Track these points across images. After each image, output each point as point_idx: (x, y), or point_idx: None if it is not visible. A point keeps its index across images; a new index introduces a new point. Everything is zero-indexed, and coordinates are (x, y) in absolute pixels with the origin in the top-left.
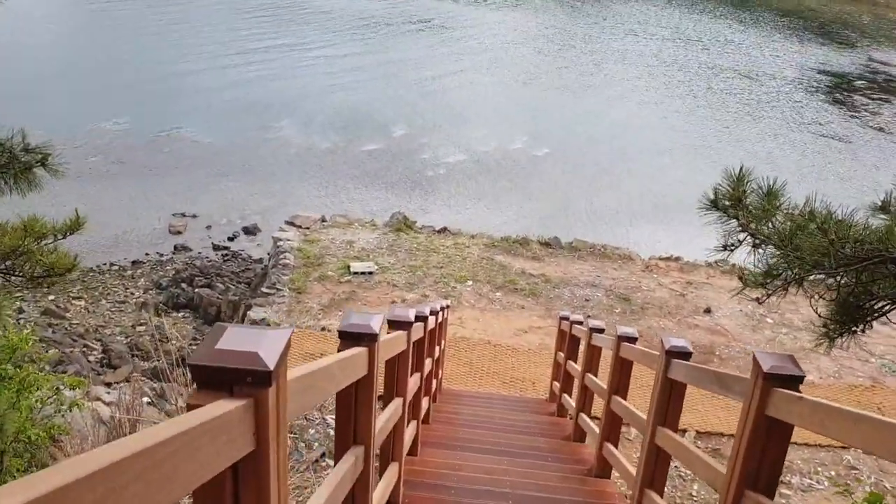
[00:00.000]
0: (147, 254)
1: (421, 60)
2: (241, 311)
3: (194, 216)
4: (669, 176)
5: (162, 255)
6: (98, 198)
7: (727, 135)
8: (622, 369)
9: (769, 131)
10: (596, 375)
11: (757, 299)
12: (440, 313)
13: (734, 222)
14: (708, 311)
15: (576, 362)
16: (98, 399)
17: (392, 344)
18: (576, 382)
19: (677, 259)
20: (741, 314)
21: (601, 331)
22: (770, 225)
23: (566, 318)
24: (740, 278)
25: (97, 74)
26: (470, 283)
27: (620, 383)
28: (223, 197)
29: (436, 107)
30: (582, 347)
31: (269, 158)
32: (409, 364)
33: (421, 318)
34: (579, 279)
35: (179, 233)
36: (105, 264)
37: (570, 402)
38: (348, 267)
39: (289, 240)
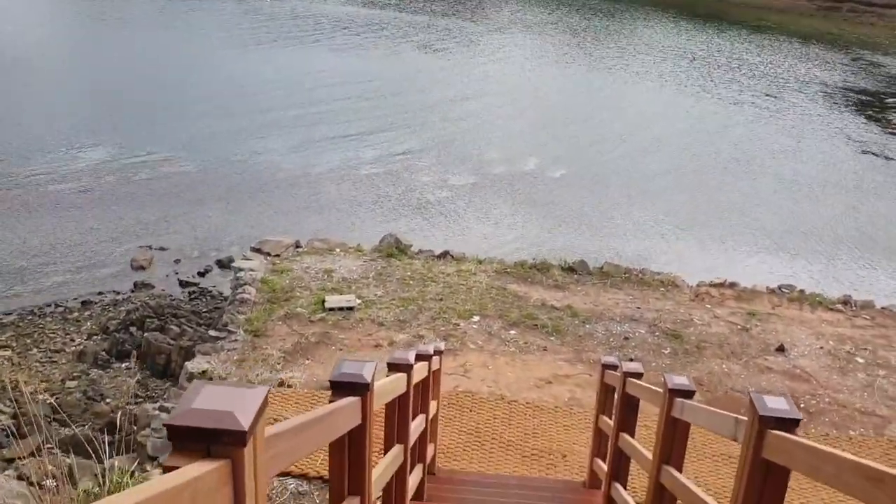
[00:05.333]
0: (101, 293)
1: (427, 82)
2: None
3: (162, 249)
4: (707, 191)
5: (119, 293)
6: (55, 231)
7: (759, 146)
8: (770, 482)
9: (806, 144)
10: (680, 469)
11: None
12: (428, 362)
13: None
14: (781, 349)
15: (632, 435)
16: None
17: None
18: (643, 476)
19: (732, 285)
20: (823, 353)
21: (689, 393)
22: None
23: (612, 367)
24: None
25: (70, 87)
26: (477, 318)
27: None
28: (197, 227)
29: (443, 129)
30: (644, 415)
31: (254, 184)
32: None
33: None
34: (614, 312)
35: (143, 268)
36: (49, 305)
37: (627, 499)
38: (323, 301)
39: (252, 270)
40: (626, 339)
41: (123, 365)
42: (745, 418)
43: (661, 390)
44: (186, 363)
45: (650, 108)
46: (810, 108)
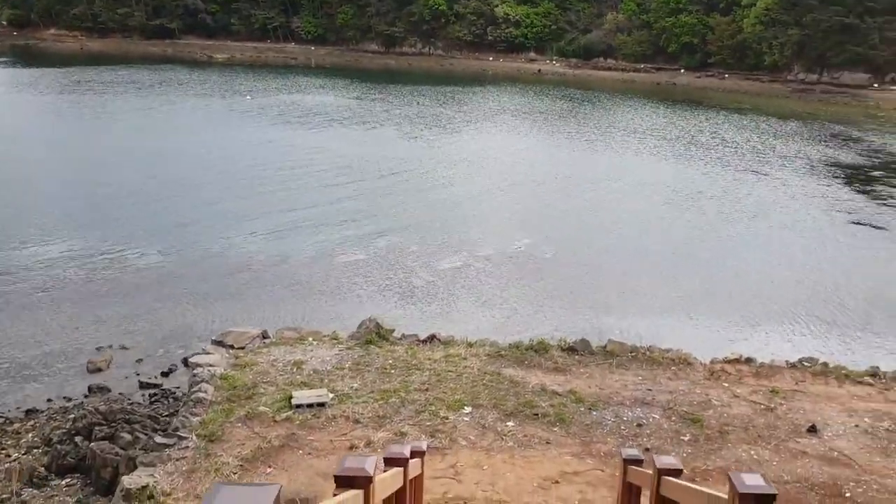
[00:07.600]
0: (50, 399)
1: (412, 167)
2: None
3: (123, 348)
4: (703, 264)
5: (70, 399)
6: (6, 333)
7: (749, 218)
8: None
9: (800, 216)
10: None
11: None
12: (402, 467)
13: None
14: (812, 429)
15: None
16: None
17: None
18: None
19: (748, 361)
20: (859, 432)
21: (770, 498)
22: None
23: (635, 462)
24: None
25: (46, 182)
26: (468, 409)
27: None
28: (164, 323)
29: (428, 213)
30: None
31: (228, 275)
32: None
33: None
34: (623, 395)
35: (99, 370)
36: None
37: None
38: (289, 398)
39: (210, 365)
40: (640, 425)
41: (65, 481)
42: None
43: (723, 495)
44: (123, 478)
45: (635, 185)
46: (797, 181)
